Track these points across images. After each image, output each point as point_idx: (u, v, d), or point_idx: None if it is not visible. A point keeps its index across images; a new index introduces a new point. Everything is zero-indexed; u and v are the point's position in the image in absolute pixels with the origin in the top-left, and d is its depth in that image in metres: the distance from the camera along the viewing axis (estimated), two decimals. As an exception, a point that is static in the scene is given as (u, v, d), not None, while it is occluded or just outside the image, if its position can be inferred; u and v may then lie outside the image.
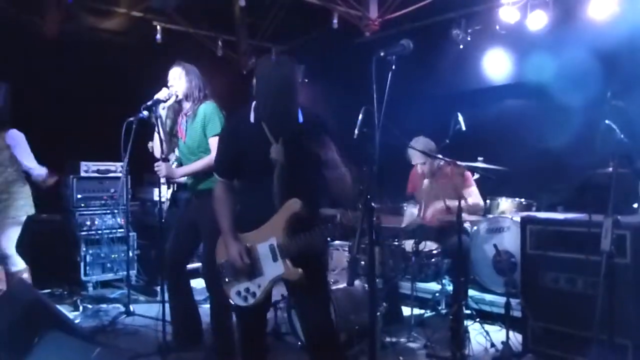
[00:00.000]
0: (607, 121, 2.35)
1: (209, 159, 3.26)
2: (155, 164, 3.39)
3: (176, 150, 3.63)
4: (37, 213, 4.69)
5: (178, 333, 3.68)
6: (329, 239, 4.02)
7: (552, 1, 5.15)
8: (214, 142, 3.23)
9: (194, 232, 3.42)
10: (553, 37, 5.25)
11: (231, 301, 2.43)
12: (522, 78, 5.77)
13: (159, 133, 3.37)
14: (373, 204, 1.84)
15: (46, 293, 5.11)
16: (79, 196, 5.47)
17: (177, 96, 3.47)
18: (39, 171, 4.35)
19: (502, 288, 4.05)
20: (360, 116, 3.06)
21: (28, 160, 4.32)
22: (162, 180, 3.61)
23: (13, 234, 4.33)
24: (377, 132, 1.88)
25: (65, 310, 4.59)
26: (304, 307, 2.48)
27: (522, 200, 5.01)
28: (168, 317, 3.56)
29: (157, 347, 3.57)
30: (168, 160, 3.48)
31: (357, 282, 3.72)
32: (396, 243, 3.67)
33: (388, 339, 3.68)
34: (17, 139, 4.30)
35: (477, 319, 3.83)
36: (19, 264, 4.35)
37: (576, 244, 3.14)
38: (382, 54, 2.03)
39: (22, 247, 4.41)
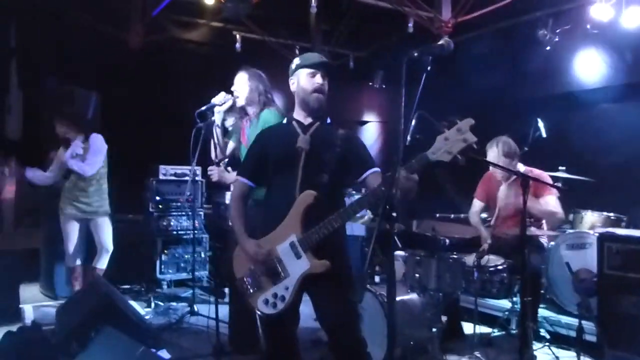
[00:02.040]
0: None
1: None
2: (209, 169, 3.47)
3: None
4: (124, 213, 5.01)
5: (234, 336, 3.72)
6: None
7: (649, -5, 4.66)
8: None
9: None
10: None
11: (259, 313, 2.34)
12: (616, 81, 5.28)
13: (212, 138, 3.45)
14: (394, 213, 1.71)
15: (126, 289, 5.43)
16: (158, 198, 5.76)
17: (234, 101, 3.52)
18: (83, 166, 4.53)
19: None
20: (413, 122, 2.92)
21: (88, 160, 4.52)
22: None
23: (109, 230, 4.70)
24: (401, 141, 1.76)
25: (139, 306, 4.84)
26: (328, 318, 2.35)
27: (611, 214, 4.55)
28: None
29: (212, 348, 3.65)
30: (220, 165, 3.54)
31: (414, 296, 3.55)
32: (455, 256, 3.45)
33: (448, 357, 3.48)
34: (96, 140, 4.62)
35: (548, 343, 3.51)
36: (105, 263, 4.69)
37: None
38: (415, 54, 1.90)
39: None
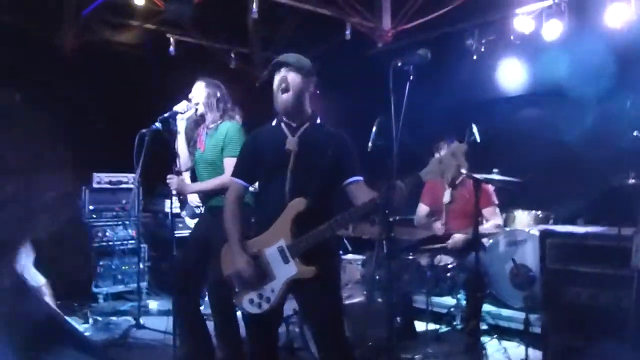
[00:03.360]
0: (635, 132, 2.27)
1: (223, 178, 3.20)
2: (168, 177, 3.36)
3: None
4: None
5: (188, 349, 3.60)
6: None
7: (567, 10, 5.08)
8: (229, 163, 3.18)
9: (203, 247, 3.34)
10: (569, 46, 5.17)
11: (244, 311, 2.39)
12: (537, 88, 5.70)
13: (174, 146, 3.36)
14: (391, 218, 1.78)
15: (58, 304, 5.08)
16: (91, 207, 5.47)
17: (196, 109, 3.45)
18: None
19: (519, 303, 3.97)
20: (374, 128, 3.01)
21: None
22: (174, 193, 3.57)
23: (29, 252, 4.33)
24: (395, 143, 1.82)
25: (75, 322, 4.56)
26: (315, 318, 2.43)
27: (539, 212, 4.91)
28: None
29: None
30: (181, 174, 3.44)
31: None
32: (411, 257, 3.59)
33: (403, 356, 3.59)
34: None
35: (495, 335, 3.73)
36: (38, 280, 4.34)
37: (599, 257, 3.04)
38: (399, 63, 1.97)
39: (36, 258, 4.41)
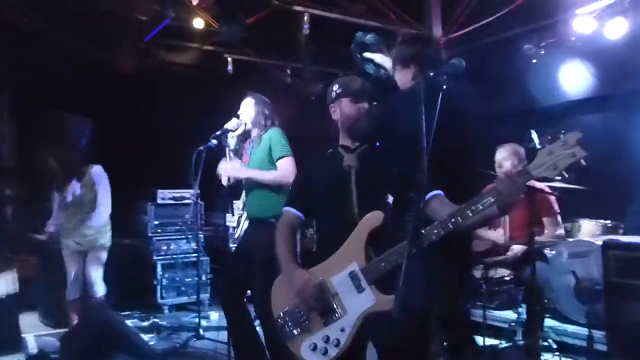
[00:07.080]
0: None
1: (277, 174, 3.32)
2: (219, 164, 3.51)
3: None
4: (119, 238, 4.93)
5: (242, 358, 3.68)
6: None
7: (631, 6, 4.80)
8: (281, 164, 3.34)
9: (247, 257, 3.40)
10: (635, 45, 4.88)
11: None
12: (602, 91, 5.41)
13: (226, 161, 3.52)
14: (422, 231, 1.73)
15: (125, 315, 5.35)
16: (156, 222, 5.73)
17: (245, 125, 3.59)
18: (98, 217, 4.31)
19: (585, 318, 3.75)
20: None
21: (102, 200, 4.30)
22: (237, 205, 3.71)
23: (97, 264, 4.58)
24: (425, 156, 1.78)
25: (142, 332, 4.77)
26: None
27: (608, 222, 4.63)
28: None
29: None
30: (224, 189, 3.57)
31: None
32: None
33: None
34: (101, 176, 4.38)
35: (557, 352, 3.55)
36: (100, 291, 4.60)
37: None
38: (431, 74, 1.94)
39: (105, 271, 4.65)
